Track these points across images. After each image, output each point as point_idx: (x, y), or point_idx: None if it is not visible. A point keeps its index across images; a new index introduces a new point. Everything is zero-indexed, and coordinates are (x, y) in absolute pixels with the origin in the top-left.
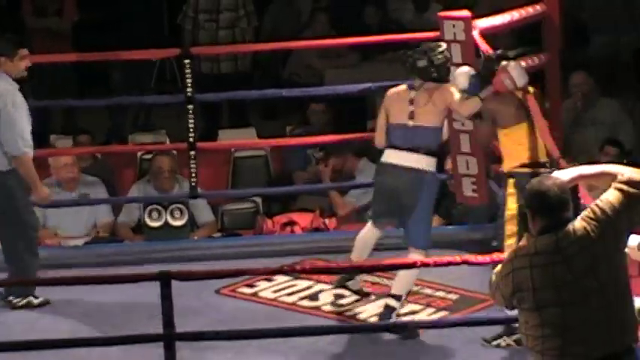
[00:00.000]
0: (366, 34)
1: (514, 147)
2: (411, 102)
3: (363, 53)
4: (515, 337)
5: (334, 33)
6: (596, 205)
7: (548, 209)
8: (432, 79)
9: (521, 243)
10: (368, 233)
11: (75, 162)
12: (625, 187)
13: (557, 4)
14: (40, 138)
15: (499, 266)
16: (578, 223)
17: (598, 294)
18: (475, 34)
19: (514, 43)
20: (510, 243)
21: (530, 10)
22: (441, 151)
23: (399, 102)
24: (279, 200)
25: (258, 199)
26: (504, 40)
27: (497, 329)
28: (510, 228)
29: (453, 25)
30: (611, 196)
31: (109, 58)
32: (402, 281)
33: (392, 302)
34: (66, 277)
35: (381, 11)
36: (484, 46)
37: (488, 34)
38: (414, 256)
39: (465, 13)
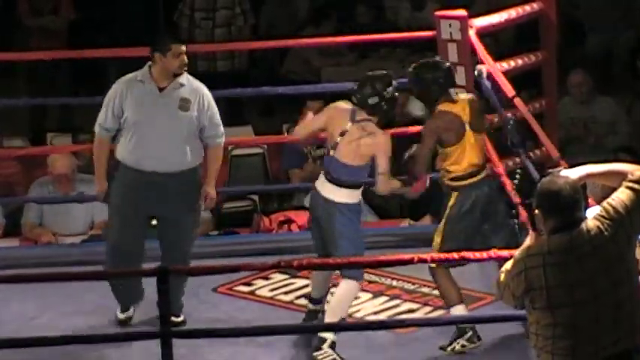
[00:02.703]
0: (362, 33)
1: (457, 162)
2: (342, 133)
3: (360, 51)
4: (466, 336)
5: (339, 32)
6: (609, 204)
7: (561, 209)
8: (380, 114)
9: (529, 242)
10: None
11: (72, 161)
12: (637, 186)
13: (554, 2)
14: (36, 135)
15: (508, 265)
16: (592, 222)
17: (610, 293)
18: (472, 33)
19: (513, 41)
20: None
21: (526, 9)
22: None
23: (337, 125)
24: (276, 198)
25: (255, 197)
26: (503, 37)
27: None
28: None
29: (450, 25)
30: (623, 195)
31: (105, 55)
32: (334, 310)
33: (325, 334)
34: (61, 273)
35: (375, 10)
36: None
37: (485, 33)
38: (344, 285)
39: (462, 12)
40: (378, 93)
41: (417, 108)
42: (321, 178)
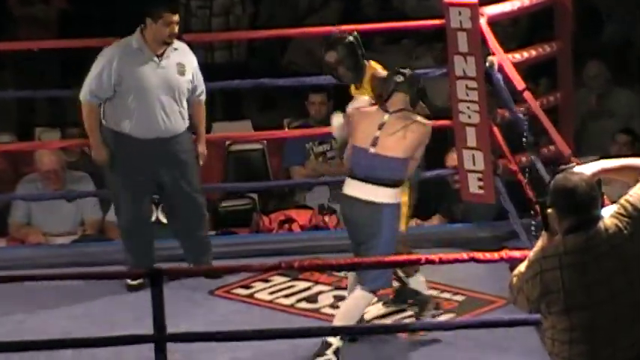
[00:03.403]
0: (367, 22)
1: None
2: (380, 126)
3: (364, 42)
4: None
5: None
6: (627, 201)
7: (577, 207)
8: (412, 93)
9: (542, 243)
10: None
11: (61, 158)
12: None
13: None
14: (24, 130)
15: (521, 267)
16: (609, 220)
17: (627, 293)
18: (482, 21)
19: (526, 30)
20: None
21: None
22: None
23: (369, 121)
24: (276, 197)
25: (255, 196)
26: (515, 27)
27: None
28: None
29: (459, 13)
30: None
31: (97, 45)
32: (343, 318)
33: (331, 339)
34: (51, 275)
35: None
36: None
37: (497, 22)
38: (359, 294)
39: None
40: (399, 72)
41: (437, 98)
42: (354, 182)
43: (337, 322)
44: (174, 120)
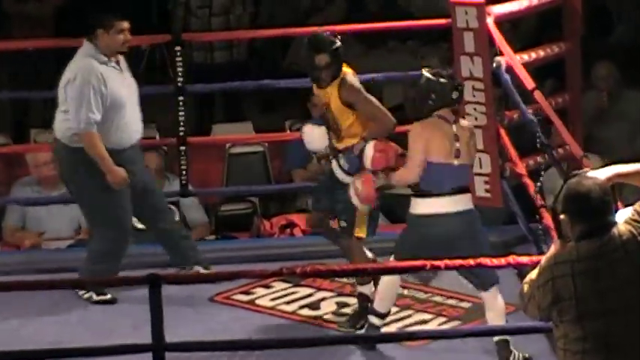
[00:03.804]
0: (371, 22)
1: None
2: (457, 138)
3: (368, 42)
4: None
5: (346, 20)
6: None
7: (590, 213)
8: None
9: (554, 250)
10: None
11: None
12: None
13: None
14: (19, 132)
15: (532, 274)
16: (623, 227)
17: None
18: (489, 21)
19: (535, 30)
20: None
21: None
22: None
23: (440, 136)
24: (277, 200)
25: (255, 199)
26: (525, 26)
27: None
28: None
29: (466, 12)
30: None
31: None
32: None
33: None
34: (45, 281)
35: None
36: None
37: (504, 21)
38: (491, 297)
39: None
40: (454, 86)
41: None
42: (440, 199)
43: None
44: (140, 124)
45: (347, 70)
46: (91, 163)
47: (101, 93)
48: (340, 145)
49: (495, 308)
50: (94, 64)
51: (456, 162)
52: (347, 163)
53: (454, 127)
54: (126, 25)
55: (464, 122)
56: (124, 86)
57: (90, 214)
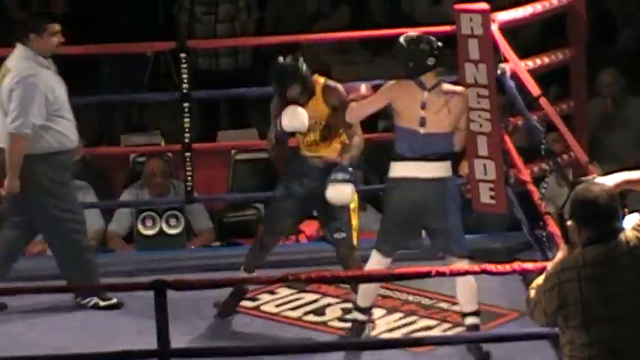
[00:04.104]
0: (375, 28)
1: None
2: (423, 106)
3: (373, 49)
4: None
5: (351, 27)
6: None
7: (597, 219)
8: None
9: (561, 255)
10: (378, 266)
11: None
12: None
13: None
14: None
15: (539, 280)
16: (630, 233)
17: None
18: (494, 28)
19: (539, 37)
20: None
21: (554, 2)
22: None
23: (408, 101)
24: None
25: (260, 206)
26: (529, 32)
27: None
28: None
29: (470, 19)
30: None
31: (98, 51)
32: (466, 296)
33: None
34: (50, 286)
35: (390, 3)
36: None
37: (509, 28)
38: (462, 265)
39: (483, 5)
40: (430, 52)
41: None
42: (409, 163)
43: (465, 301)
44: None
45: (319, 79)
46: (53, 166)
47: (45, 96)
48: (326, 152)
49: (465, 286)
50: (37, 67)
51: (421, 130)
52: (348, 174)
53: (425, 95)
54: (58, 27)
55: (447, 87)
56: (62, 89)
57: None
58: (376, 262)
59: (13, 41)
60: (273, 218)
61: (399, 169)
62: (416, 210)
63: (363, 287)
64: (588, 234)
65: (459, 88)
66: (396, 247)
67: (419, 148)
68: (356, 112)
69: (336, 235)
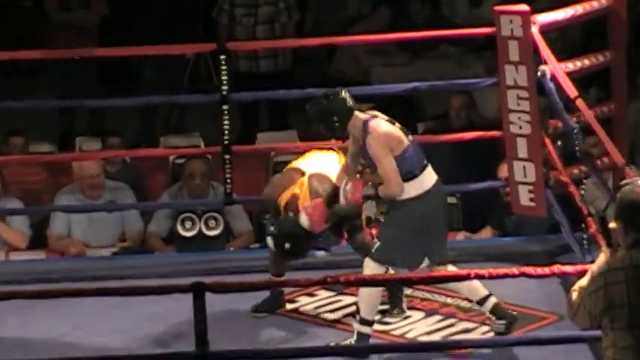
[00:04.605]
0: (415, 30)
1: None
2: (393, 122)
3: (412, 51)
4: None
5: (391, 29)
6: None
7: None
8: None
9: (604, 257)
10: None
11: (102, 172)
12: None
13: None
14: (64, 140)
15: (582, 282)
16: None
17: None
18: (534, 30)
19: (582, 39)
20: None
21: (594, 4)
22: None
23: (391, 128)
24: None
25: None
26: (570, 35)
27: None
28: None
29: (510, 21)
30: None
31: (139, 53)
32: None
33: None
34: (91, 289)
35: (431, 6)
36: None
37: (549, 31)
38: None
39: (524, 7)
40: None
41: (488, 108)
42: (428, 172)
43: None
44: None
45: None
46: None
47: None
48: None
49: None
50: None
51: (409, 138)
52: None
53: (380, 115)
54: None
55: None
56: None
57: None
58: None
59: (70, 42)
60: None
61: (416, 188)
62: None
63: (368, 299)
64: (635, 236)
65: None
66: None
67: (421, 154)
68: (395, 188)
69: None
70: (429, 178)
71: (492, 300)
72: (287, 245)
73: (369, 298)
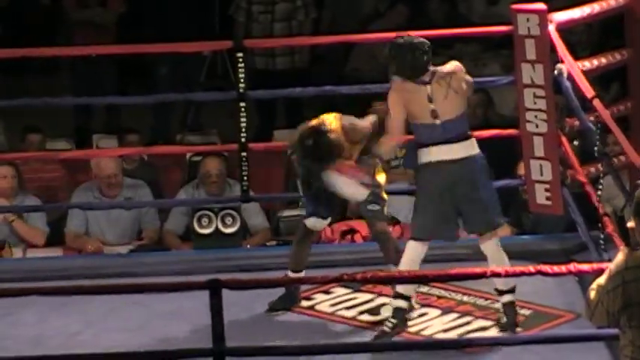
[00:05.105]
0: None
1: None
2: (430, 99)
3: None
4: None
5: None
6: None
7: None
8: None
9: (623, 256)
10: (417, 256)
11: (119, 162)
12: None
13: None
14: (81, 137)
15: (600, 280)
16: None
17: None
18: (551, 28)
19: (598, 37)
20: None
21: (611, 3)
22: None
23: (416, 100)
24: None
25: None
26: (585, 34)
27: None
28: None
29: (527, 19)
30: None
31: (155, 50)
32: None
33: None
34: (106, 286)
35: (448, 4)
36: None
37: (565, 29)
38: (496, 239)
39: (541, 5)
40: (422, 53)
41: (504, 106)
42: (436, 148)
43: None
44: None
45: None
46: None
47: None
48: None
49: (495, 256)
50: None
51: (437, 121)
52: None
53: (428, 89)
54: None
55: (441, 71)
56: None
57: None
58: (414, 252)
59: (88, 40)
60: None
61: (424, 156)
62: (448, 192)
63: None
64: None
65: (449, 66)
66: (433, 233)
67: (438, 136)
68: (390, 141)
69: (369, 207)
70: (446, 150)
71: (510, 297)
72: (309, 141)
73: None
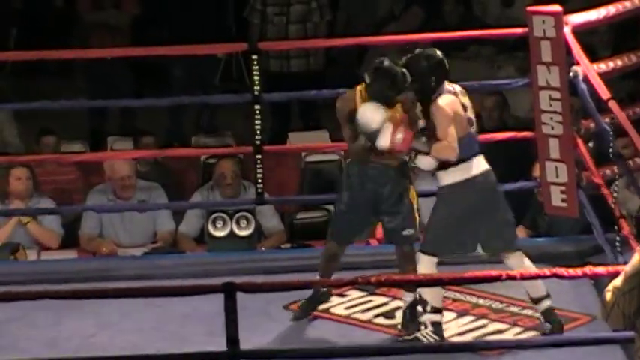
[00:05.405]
0: (447, 31)
1: None
2: (465, 109)
3: (444, 51)
4: None
5: (423, 29)
6: None
7: None
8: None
9: (637, 257)
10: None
11: (133, 165)
12: None
13: None
14: (96, 140)
15: (616, 282)
16: None
17: None
18: (567, 30)
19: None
20: None
21: (627, 5)
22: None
23: (461, 111)
24: None
25: (331, 207)
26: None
27: None
28: None
29: (543, 21)
30: None
31: (170, 53)
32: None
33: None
34: (120, 289)
35: (463, 6)
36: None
37: (581, 31)
38: (523, 260)
39: (556, 7)
40: (438, 63)
41: (520, 108)
42: (477, 160)
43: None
44: None
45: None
46: None
47: None
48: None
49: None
50: None
51: (472, 130)
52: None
53: (460, 98)
54: None
55: (457, 87)
56: None
57: None
58: (431, 266)
59: (103, 42)
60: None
61: (464, 172)
62: (476, 213)
63: (432, 289)
64: None
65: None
66: (452, 251)
67: (476, 146)
68: (449, 153)
69: (404, 233)
70: (476, 165)
71: (548, 302)
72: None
73: (432, 287)
